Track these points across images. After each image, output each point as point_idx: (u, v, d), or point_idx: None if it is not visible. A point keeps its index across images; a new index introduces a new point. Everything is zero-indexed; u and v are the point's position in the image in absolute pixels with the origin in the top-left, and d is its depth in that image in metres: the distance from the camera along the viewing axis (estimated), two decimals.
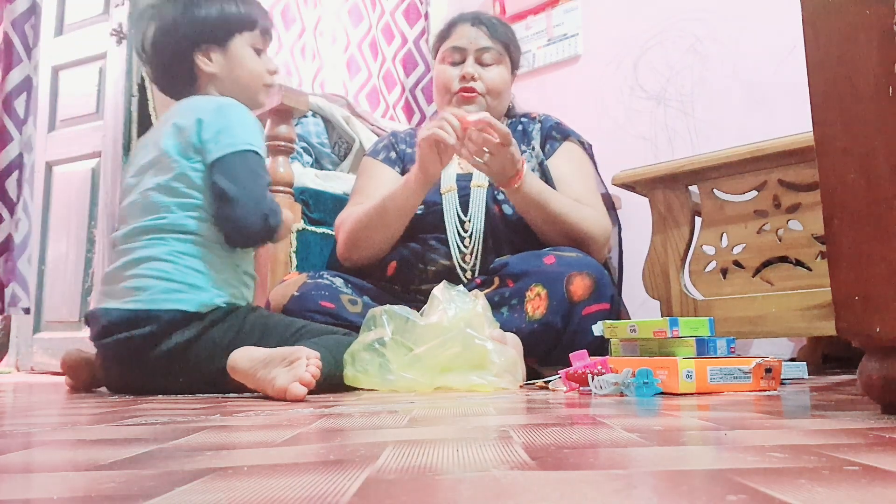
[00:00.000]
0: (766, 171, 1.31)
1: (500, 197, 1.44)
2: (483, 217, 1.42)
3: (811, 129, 0.59)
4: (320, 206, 1.68)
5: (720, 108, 2.15)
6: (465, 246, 1.41)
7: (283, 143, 1.58)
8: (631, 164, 1.60)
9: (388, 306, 1.13)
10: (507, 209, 1.43)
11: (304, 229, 1.61)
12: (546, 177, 1.48)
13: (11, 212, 1.82)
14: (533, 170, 1.48)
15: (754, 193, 1.34)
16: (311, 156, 1.95)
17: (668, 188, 1.44)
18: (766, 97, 2.04)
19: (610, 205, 1.56)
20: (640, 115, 2.33)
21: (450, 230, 1.42)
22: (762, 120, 1.99)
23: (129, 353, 1.11)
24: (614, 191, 1.65)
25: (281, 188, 1.58)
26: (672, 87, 2.27)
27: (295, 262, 1.57)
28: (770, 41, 2.04)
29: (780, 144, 1.28)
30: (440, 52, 1.55)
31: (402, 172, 1.55)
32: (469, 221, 1.42)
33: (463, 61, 1.51)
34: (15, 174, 1.81)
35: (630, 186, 1.50)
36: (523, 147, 1.52)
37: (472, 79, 1.49)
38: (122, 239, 1.18)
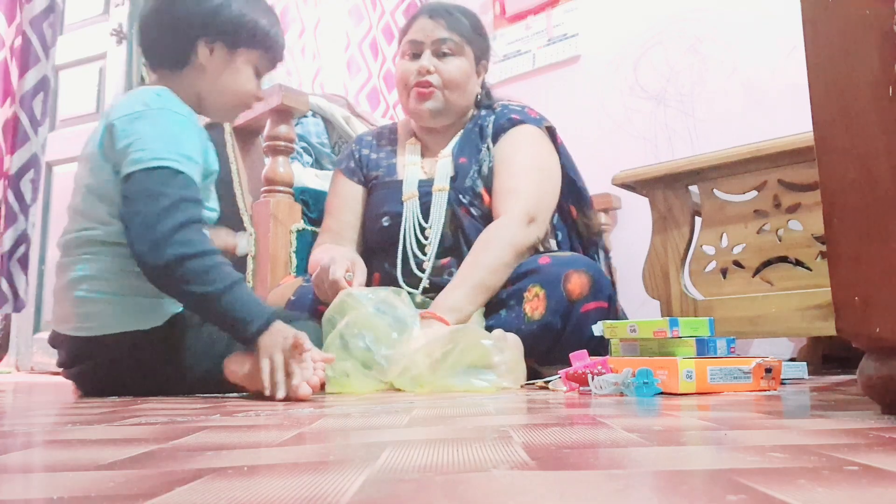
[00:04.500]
0: (766, 171, 1.31)
1: (466, 200, 1.38)
2: (444, 221, 1.37)
3: (811, 129, 0.59)
4: (320, 206, 1.68)
5: (720, 108, 2.15)
6: (423, 253, 1.36)
7: (283, 143, 1.58)
8: (631, 164, 1.60)
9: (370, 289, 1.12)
10: (475, 211, 1.38)
11: (304, 229, 1.61)
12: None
13: (26, 213, 1.82)
14: (490, 170, 1.40)
15: (754, 193, 1.34)
16: (311, 156, 1.95)
17: (668, 188, 1.44)
18: (766, 97, 2.04)
19: (589, 204, 1.49)
20: (640, 115, 2.32)
21: (406, 239, 1.37)
22: (762, 120, 1.99)
23: (101, 377, 1.08)
24: (614, 191, 1.65)
25: (281, 188, 1.58)
26: (672, 87, 2.27)
27: (295, 262, 1.57)
28: (770, 41, 2.04)
29: (780, 144, 1.28)
30: (400, 46, 1.48)
31: (363, 180, 1.50)
32: (430, 227, 1.37)
33: (420, 54, 1.43)
34: (30, 174, 1.80)
35: (630, 186, 1.50)
36: (480, 144, 1.44)
37: (427, 72, 1.41)
38: (63, 249, 1.11)
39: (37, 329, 2.59)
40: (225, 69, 1.17)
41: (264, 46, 1.19)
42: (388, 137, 1.56)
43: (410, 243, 1.37)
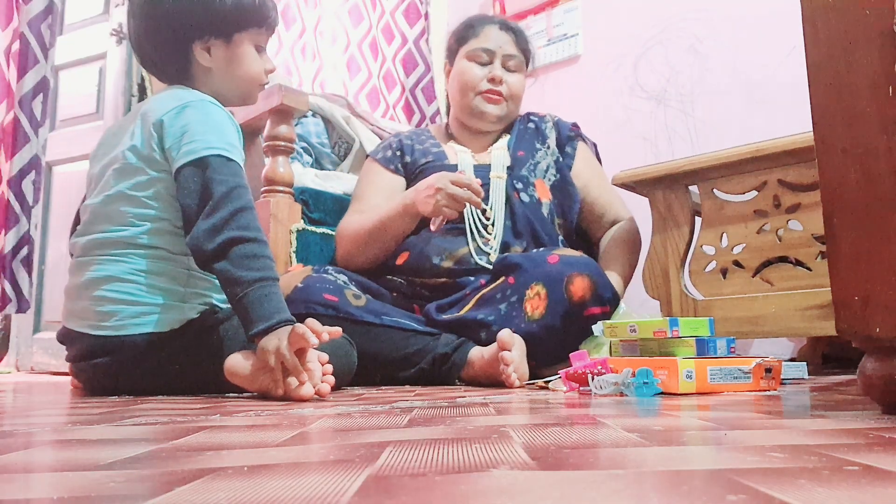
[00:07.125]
0: (766, 171, 1.31)
1: (520, 186, 1.50)
2: (504, 205, 1.47)
3: (811, 129, 0.59)
4: (320, 206, 1.68)
5: (720, 108, 2.15)
6: (487, 232, 1.45)
7: (283, 143, 1.58)
8: (631, 164, 1.60)
9: None
10: (524, 197, 1.49)
11: (304, 229, 1.61)
12: (563, 176, 1.54)
13: (28, 215, 1.83)
14: (548, 167, 1.53)
15: (754, 193, 1.34)
16: (311, 156, 1.95)
17: (668, 188, 1.44)
18: (766, 97, 2.04)
19: None
20: (640, 115, 2.32)
21: (470, 217, 1.45)
22: (762, 120, 1.99)
23: (112, 374, 1.08)
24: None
25: (281, 188, 1.58)
26: (672, 87, 2.27)
27: (295, 262, 1.57)
28: (770, 41, 2.04)
29: (780, 144, 1.28)
30: (465, 49, 1.57)
31: (403, 165, 1.58)
32: (490, 209, 1.46)
33: (490, 63, 1.55)
34: (31, 176, 1.81)
35: (630, 186, 1.50)
36: (538, 145, 1.57)
37: (501, 82, 1.54)
38: (81, 249, 1.11)
39: (37, 329, 2.58)
40: (229, 62, 1.16)
41: (257, 22, 1.17)
42: (426, 135, 1.67)
43: (475, 222, 1.46)
